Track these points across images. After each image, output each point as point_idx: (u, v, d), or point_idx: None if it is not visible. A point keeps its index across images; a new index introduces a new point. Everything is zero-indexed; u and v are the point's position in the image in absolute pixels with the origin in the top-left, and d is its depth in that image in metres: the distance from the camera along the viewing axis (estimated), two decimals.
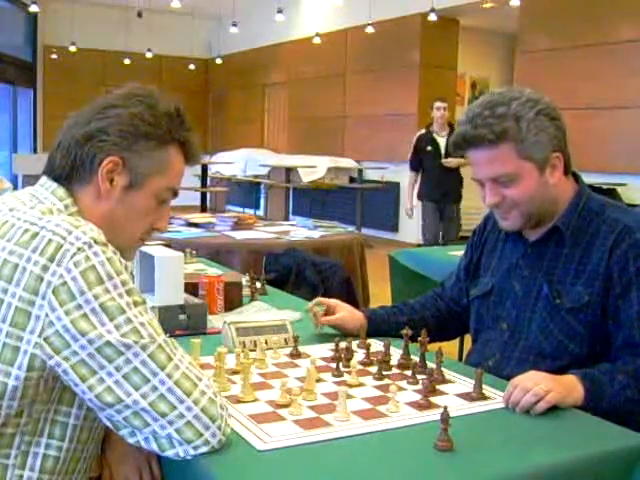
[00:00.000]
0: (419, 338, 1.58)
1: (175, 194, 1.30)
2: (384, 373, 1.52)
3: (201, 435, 1.10)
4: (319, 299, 1.85)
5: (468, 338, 1.91)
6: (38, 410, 1.12)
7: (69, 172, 1.21)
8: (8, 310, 1.06)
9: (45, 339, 1.05)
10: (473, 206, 9.17)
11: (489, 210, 1.75)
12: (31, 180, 1.28)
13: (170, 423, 1.08)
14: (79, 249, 1.07)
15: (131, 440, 1.12)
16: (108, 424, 1.12)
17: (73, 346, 1.05)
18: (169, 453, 1.11)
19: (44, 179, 1.23)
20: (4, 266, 1.07)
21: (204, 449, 1.11)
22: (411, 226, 9.35)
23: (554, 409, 1.33)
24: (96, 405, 1.09)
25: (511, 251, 1.74)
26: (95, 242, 1.10)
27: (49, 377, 1.09)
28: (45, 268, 1.05)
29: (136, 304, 1.11)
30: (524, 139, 1.53)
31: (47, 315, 1.05)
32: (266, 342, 1.67)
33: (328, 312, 1.82)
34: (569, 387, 1.38)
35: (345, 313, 1.80)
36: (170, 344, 1.12)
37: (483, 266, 1.82)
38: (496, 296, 1.73)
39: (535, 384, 1.33)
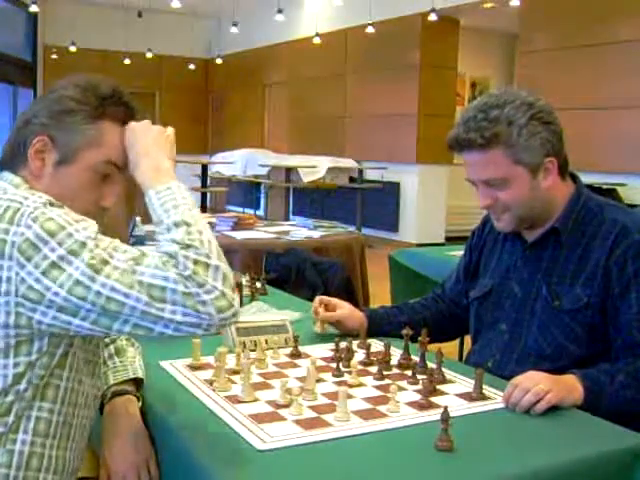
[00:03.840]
0: (419, 338, 1.58)
1: (118, 168, 1.27)
2: (384, 373, 1.52)
3: (199, 326, 1.08)
4: (320, 297, 1.85)
5: (468, 339, 1.91)
6: (41, 375, 1.14)
7: (10, 159, 1.25)
8: None
9: (23, 296, 1.07)
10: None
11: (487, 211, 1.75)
12: None
13: (169, 324, 1.08)
14: (36, 208, 1.10)
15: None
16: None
17: (48, 295, 1.06)
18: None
19: (3, 173, 1.25)
20: None
21: (213, 329, 1.10)
22: (411, 226, 9.37)
23: (554, 409, 1.33)
24: (101, 332, 1.10)
25: (510, 252, 1.74)
26: (51, 204, 1.13)
27: (47, 338, 1.12)
28: (6, 231, 1.08)
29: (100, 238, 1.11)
30: (515, 144, 1.53)
31: (17, 274, 1.07)
32: (266, 342, 1.67)
33: (329, 310, 1.81)
34: (569, 387, 1.38)
35: (346, 311, 1.81)
36: (135, 259, 1.10)
37: (482, 267, 1.82)
38: (495, 297, 1.73)
39: (535, 384, 1.33)
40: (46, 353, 1.13)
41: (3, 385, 1.11)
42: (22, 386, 1.12)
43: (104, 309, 1.07)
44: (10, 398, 1.12)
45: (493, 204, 1.61)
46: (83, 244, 1.08)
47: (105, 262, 1.08)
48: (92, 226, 1.13)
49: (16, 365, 1.11)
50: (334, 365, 1.55)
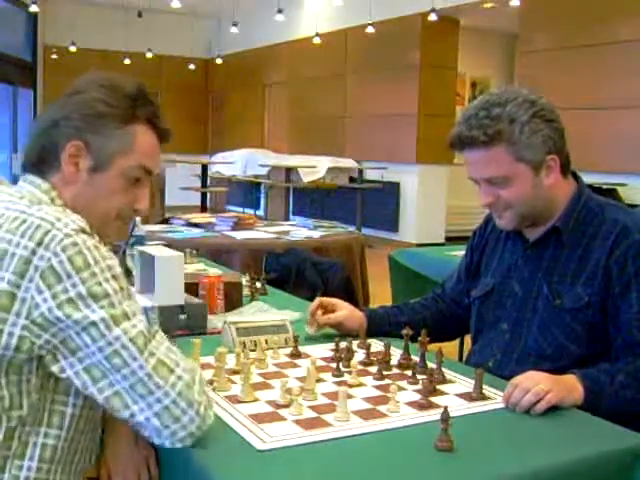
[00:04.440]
0: (419, 338, 1.58)
1: (149, 173, 1.28)
2: (384, 373, 1.52)
3: (178, 420, 1.11)
4: (320, 299, 1.85)
5: (468, 339, 1.91)
6: (37, 399, 1.13)
7: (38, 161, 1.24)
8: None
9: (32, 321, 1.07)
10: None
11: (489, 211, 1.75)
12: None
13: (149, 406, 1.11)
14: (67, 235, 1.09)
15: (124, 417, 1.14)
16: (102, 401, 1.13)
17: (59, 325, 1.07)
18: (156, 441, 1.13)
19: (29, 175, 1.25)
20: None
21: (182, 434, 1.12)
22: (411, 226, 9.37)
23: (554, 409, 1.33)
24: (85, 384, 1.11)
25: (511, 251, 1.74)
26: (82, 231, 1.12)
27: (36, 361, 1.11)
28: (33, 252, 1.07)
29: (122, 290, 1.13)
30: (517, 141, 1.53)
31: (33, 297, 1.07)
32: (266, 342, 1.67)
33: (328, 311, 1.81)
34: (569, 387, 1.38)
35: (345, 312, 1.80)
36: (150, 332, 1.14)
37: (484, 266, 1.82)
38: (496, 296, 1.73)
39: (535, 384, 1.33)
40: (37, 375, 1.12)
41: (1, 407, 1.10)
42: (24, 412, 1.11)
43: (106, 359, 1.08)
44: (12, 424, 1.11)
45: (495, 202, 1.61)
46: (107, 294, 1.09)
47: (126, 317, 1.10)
48: (117, 266, 1.14)
49: (8, 384, 1.10)
50: (334, 365, 1.55)
